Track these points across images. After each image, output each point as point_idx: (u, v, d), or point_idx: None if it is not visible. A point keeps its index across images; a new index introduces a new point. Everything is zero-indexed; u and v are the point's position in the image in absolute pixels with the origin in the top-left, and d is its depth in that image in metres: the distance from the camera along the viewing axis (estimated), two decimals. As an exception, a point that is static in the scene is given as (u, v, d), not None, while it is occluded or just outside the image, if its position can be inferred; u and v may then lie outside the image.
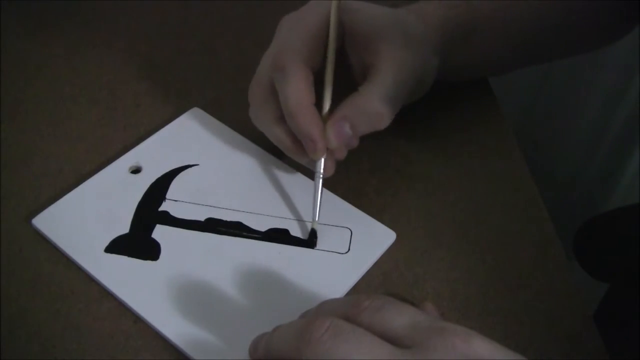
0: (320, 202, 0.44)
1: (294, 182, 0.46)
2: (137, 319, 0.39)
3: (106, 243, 0.42)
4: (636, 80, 0.88)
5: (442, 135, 0.51)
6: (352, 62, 0.45)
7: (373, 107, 0.42)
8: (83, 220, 0.43)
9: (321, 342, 0.31)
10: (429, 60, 0.46)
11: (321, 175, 0.44)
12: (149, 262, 0.41)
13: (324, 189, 0.44)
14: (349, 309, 0.33)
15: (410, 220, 0.45)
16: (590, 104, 0.95)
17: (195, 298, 0.40)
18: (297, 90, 0.41)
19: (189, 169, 0.46)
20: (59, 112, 0.50)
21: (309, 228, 0.44)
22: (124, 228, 0.43)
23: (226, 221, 0.44)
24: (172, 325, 0.39)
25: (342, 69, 0.44)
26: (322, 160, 0.43)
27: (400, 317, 0.32)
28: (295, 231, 0.44)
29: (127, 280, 0.40)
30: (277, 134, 0.44)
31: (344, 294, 0.41)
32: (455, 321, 0.31)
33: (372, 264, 0.43)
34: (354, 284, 0.42)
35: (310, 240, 0.43)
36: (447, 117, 0.53)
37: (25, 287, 0.40)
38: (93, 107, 0.51)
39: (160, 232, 0.43)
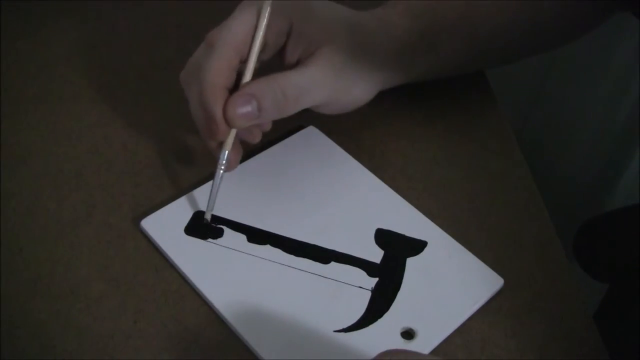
0: (216, 194, 0.42)
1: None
2: (137, 319, 0.39)
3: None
4: (636, 80, 0.88)
5: (442, 135, 0.51)
6: (287, 61, 0.43)
7: (283, 87, 0.40)
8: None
9: None
10: (372, 76, 0.45)
11: (222, 168, 0.42)
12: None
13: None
14: None
15: (410, 220, 0.45)
16: (591, 104, 0.95)
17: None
18: (216, 69, 0.40)
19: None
20: (59, 112, 0.50)
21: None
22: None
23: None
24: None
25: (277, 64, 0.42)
26: (226, 152, 0.41)
27: None
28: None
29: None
30: (195, 109, 0.42)
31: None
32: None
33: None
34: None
35: (210, 226, 0.42)
36: (447, 117, 0.53)
37: (25, 287, 0.40)
38: (93, 107, 0.51)
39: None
